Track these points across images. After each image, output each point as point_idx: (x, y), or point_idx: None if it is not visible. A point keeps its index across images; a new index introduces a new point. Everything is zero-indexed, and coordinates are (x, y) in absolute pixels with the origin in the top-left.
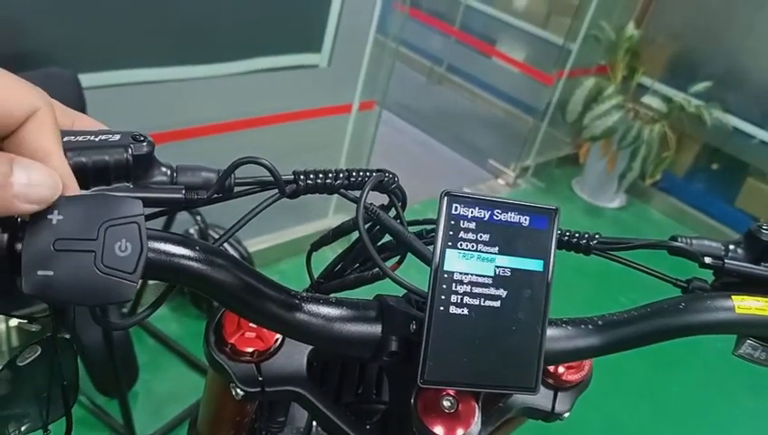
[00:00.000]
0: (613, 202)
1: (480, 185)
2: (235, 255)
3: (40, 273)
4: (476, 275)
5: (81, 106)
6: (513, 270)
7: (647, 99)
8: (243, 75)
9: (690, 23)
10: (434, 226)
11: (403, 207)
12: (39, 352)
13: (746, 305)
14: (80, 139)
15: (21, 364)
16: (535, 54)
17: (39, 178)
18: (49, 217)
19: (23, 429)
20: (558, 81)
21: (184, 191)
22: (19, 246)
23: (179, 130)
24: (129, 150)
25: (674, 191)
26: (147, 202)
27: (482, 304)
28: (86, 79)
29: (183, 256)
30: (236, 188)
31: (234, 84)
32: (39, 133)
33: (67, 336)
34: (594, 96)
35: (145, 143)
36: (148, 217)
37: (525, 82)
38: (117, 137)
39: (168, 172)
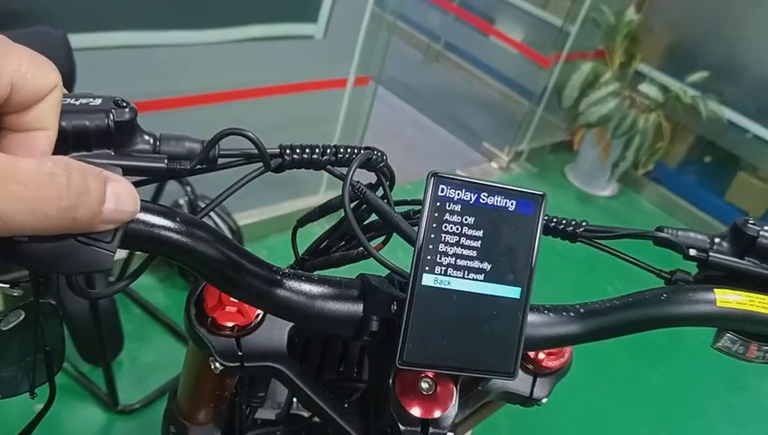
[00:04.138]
0: (605, 190)
1: (473, 168)
2: (225, 228)
3: (15, 238)
4: (460, 258)
5: (70, 67)
6: (497, 254)
7: (644, 87)
8: (235, 43)
9: (690, 11)
10: (420, 206)
11: (391, 187)
12: (23, 317)
13: (728, 299)
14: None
15: (4, 329)
16: (534, 35)
17: (126, 205)
18: None
19: (6, 393)
20: (555, 63)
21: (166, 161)
22: None
23: (168, 99)
24: (111, 116)
25: (665, 182)
26: (127, 170)
27: (464, 287)
28: (76, 39)
29: (163, 227)
30: (221, 160)
31: (226, 52)
32: (52, 108)
33: (52, 302)
34: (591, 82)
35: (127, 109)
36: None
37: (523, 64)
38: (98, 101)
39: (151, 141)
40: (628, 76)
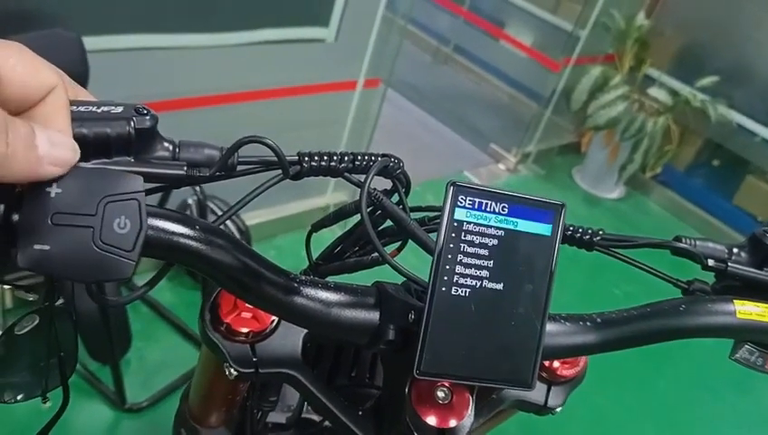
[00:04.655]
0: (612, 193)
1: (481, 169)
2: (233, 228)
3: (36, 247)
4: (478, 268)
5: (84, 70)
6: (515, 264)
7: (653, 91)
8: (248, 46)
9: (701, 15)
10: (436, 213)
11: (406, 193)
12: (37, 322)
13: (747, 311)
14: (81, 109)
15: (18, 333)
16: (543, 39)
17: (60, 140)
18: (48, 189)
19: (19, 397)
20: (565, 67)
21: (186, 168)
22: (16, 217)
23: (182, 100)
24: (132, 123)
25: (673, 185)
26: (148, 177)
27: (482, 297)
28: (90, 42)
29: (182, 235)
30: (239, 167)
31: (239, 55)
32: (54, 111)
33: (67, 307)
34: (600, 85)
35: (148, 117)
36: (148, 192)
37: (532, 68)
38: (119, 109)
39: (171, 148)
40: (637, 80)
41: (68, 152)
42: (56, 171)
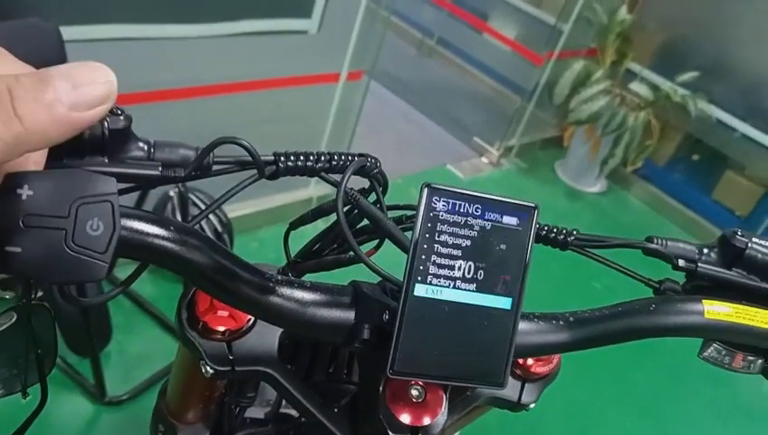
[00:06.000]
0: (594, 187)
1: (464, 162)
2: (215, 221)
3: (8, 249)
4: (452, 269)
5: (62, 60)
6: (489, 265)
7: (634, 85)
8: (229, 37)
9: (682, 11)
10: (413, 211)
11: (384, 192)
12: (14, 319)
13: (715, 311)
14: None
15: None
16: (527, 33)
17: (86, 77)
18: (18, 191)
19: None
20: (548, 61)
21: (161, 168)
22: None
23: (160, 92)
24: (105, 124)
25: (653, 179)
26: (122, 178)
27: (456, 298)
28: (68, 32)
29: (156, 236)
30: (215, 167)
31: (219, 46)
32: None
33: (46, 304)
34: (582, 79)
35: (122, 117)
36: (122, 193)
37: (515, 61)
38: None
39: (145, 148)
40: (619, 75)
41: (100, 86)
42: (96, 114)
